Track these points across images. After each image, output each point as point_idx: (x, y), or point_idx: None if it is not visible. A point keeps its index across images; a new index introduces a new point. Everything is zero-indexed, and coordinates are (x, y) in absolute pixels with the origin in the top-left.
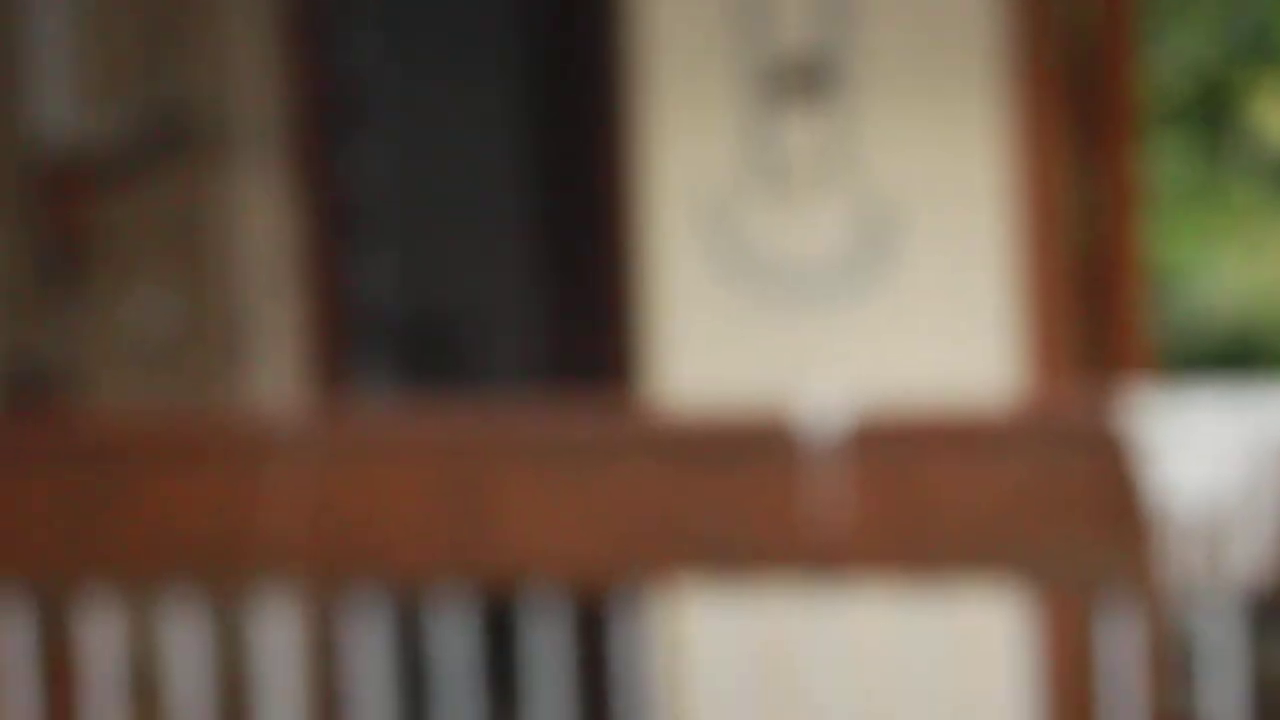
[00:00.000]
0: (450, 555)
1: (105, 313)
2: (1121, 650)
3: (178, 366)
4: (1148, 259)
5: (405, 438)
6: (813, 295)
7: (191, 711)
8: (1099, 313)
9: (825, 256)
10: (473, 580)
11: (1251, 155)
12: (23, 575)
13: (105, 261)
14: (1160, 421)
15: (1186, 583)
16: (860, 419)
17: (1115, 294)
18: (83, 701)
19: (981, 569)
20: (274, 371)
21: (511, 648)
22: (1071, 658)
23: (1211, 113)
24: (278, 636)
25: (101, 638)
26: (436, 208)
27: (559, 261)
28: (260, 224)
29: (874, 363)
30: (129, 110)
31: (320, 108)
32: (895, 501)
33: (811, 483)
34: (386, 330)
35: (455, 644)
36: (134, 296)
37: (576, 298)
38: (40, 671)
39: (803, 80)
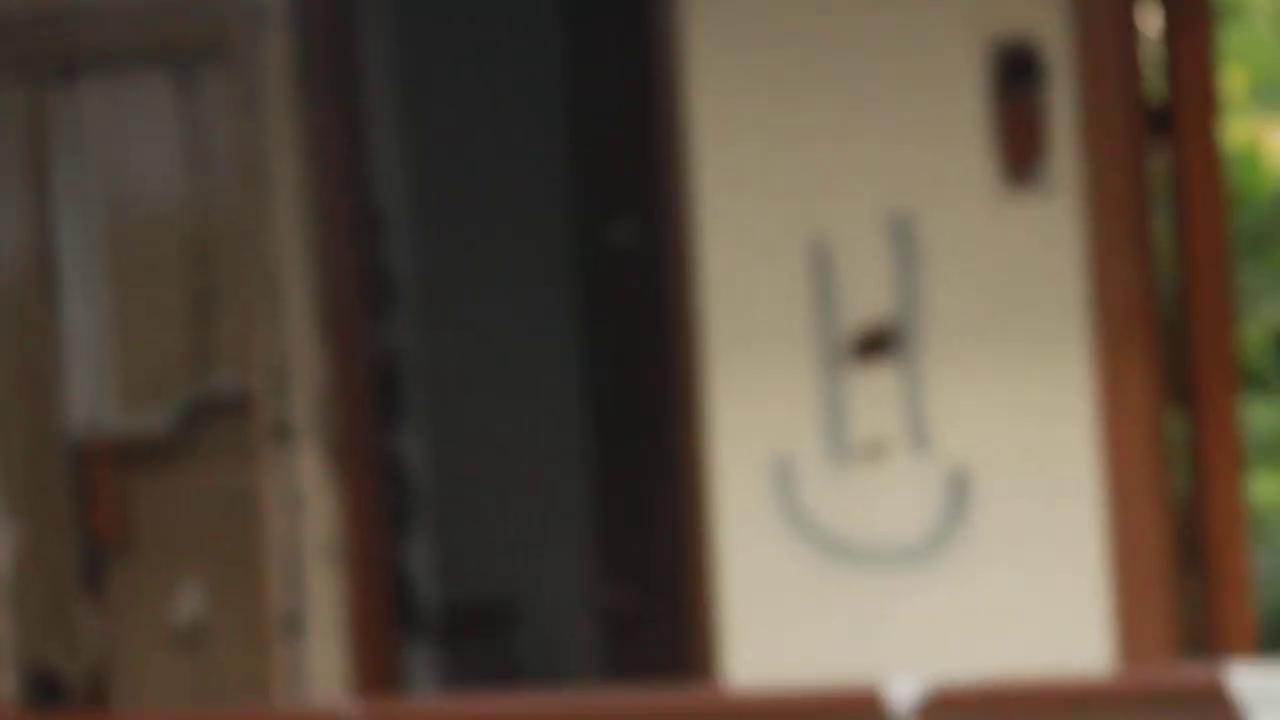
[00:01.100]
0: None
1: (147, 601)
2: None
3: (217, 655)
4: (1247, 526)
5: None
6: (888, 569)
7: None
8: (1200, 587)
9: (901, 529)
10: None
11: None
12: None
13: (144, 549)
14: (1271, 689)
15: None
16: (942, 696)
17: (1218, 566)
18: None
19: None
20: (322, 657)
21: None
22: None
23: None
24: None
25: None
26: (490, 492)
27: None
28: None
29: (950, 644)
30: (172, 402)
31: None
32: None
33: None
34: (435, 615)
35: None
36: (174, 585)
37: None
38: None
39: (876, 345)
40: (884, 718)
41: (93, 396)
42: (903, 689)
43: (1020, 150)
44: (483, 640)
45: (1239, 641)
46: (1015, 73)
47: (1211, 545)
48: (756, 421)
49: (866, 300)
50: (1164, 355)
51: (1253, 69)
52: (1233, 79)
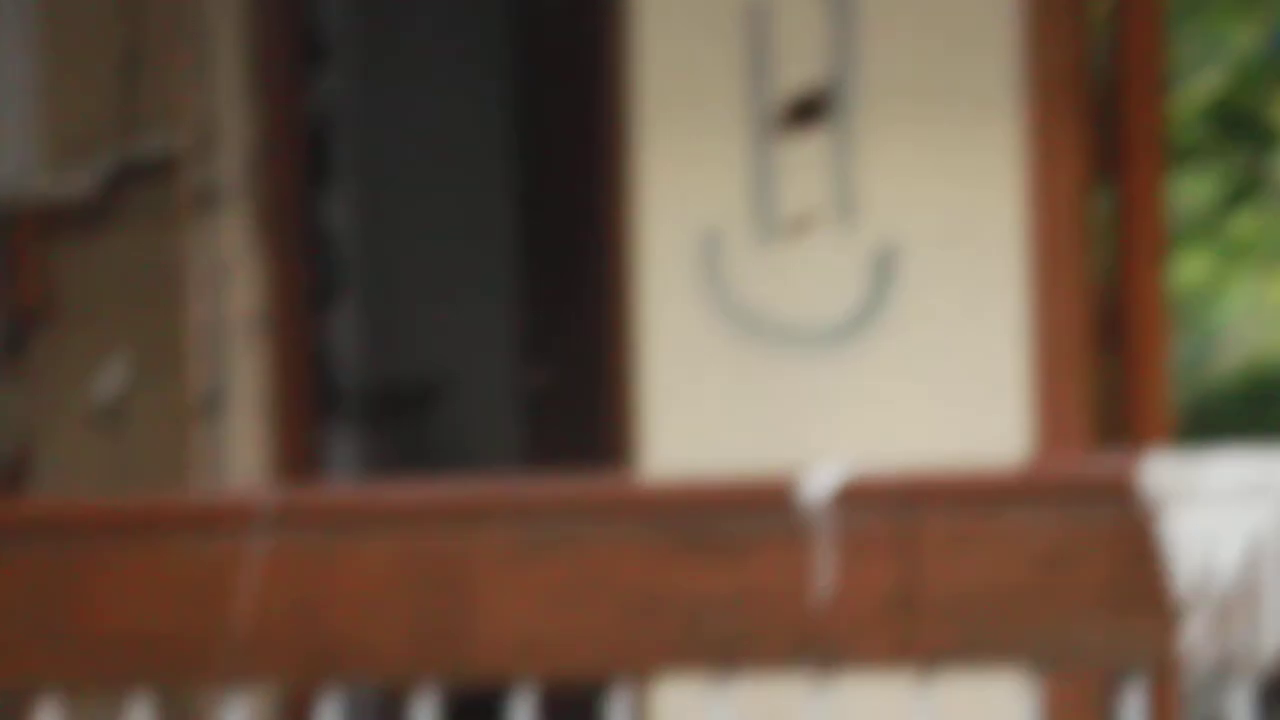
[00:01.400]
0: (425, 646)
1: (67, 373)
2: None
3: (137, 429)
4: (1169, 308)
5: (378, 510)
6: (812, 345)
7: None
8: (1119, 368)
9: (827, 303)
10: (450, 673)
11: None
12: None
13: (67, 321)
14: (1182, 483)
15: (1206, 660)
16: (858, 484)
17: (1137, 350)
18: None
19: (990, 655)
20: (240, 435)
21: None
22: None
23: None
24: None
25: None
26: (413, 266)
27: (547, 320)
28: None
29: (875, 420)
30: (98, 164)
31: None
32: (891, 577)
33: (810, 560)
34: (358, 398)
35: None
36: (97, 359)
37: (564, 343)
38: None
39: (808, 111)
40: (798, 509)
41: (16, 158)
42: (817, 480)
43: None
44: (404, 422)
45: (1157, 426)
46: None
47: (1132, 330)
48: (684, 193)
49: (800, 65)
50: (1094, 129)
51: None
52: None
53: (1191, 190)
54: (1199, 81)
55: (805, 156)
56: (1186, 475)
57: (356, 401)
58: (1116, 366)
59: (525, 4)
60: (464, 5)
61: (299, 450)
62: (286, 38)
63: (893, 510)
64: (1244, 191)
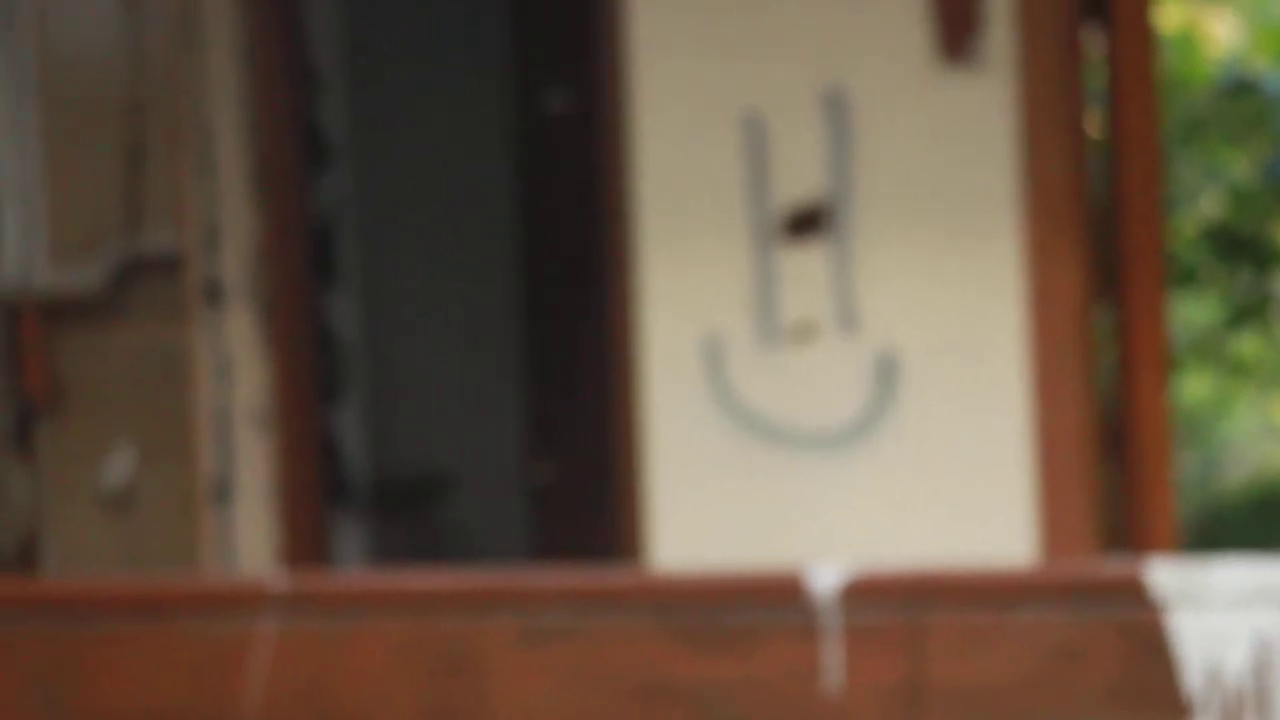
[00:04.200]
0: None
1: (75, 460)
2: None
3: (145, 517)
4: (1174, 423)
5: (388, 596)
6: (815, 449)
7: None
8: (1123, 482)
9: (830, 408)
10: None
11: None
12: None
13: (75, 410)
14: (1191, 585)
15: None
16: (864, 582)
17: (1142, 463)
18: None
19: None
20: (247, 524)
21: None
22: None
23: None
24: None
25: None
26: (419, 361)
27: (553, 415)
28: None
29: (877, 524)
30: (104, 259)
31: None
32: (899, 671)
33: (818, 653)
34: (365, 490)
35: None
36: (105, 447)
37: (569, 443)
38: None
39: (807, 223)
40: (806, 603)
41: (23, 252)
42: (825, 575)
43: (955, 26)
44: (410, 514)
45: (1163, 538)
46: None
47: (1136, 442)
48: (687, 299)
49: (799, 179)
50: (1094, 246)
51: None
52: None
53: (1193, 312)
54: (1197, 207)
55: (806, 265)
56: (1195, 578)
57: (363, 494)
58: (1122, 479)
59: (528, 109)
60: (468, 110)
61: (306, 540)
62: (290, 135)
63: (901, 605)
64: (1246, 313)
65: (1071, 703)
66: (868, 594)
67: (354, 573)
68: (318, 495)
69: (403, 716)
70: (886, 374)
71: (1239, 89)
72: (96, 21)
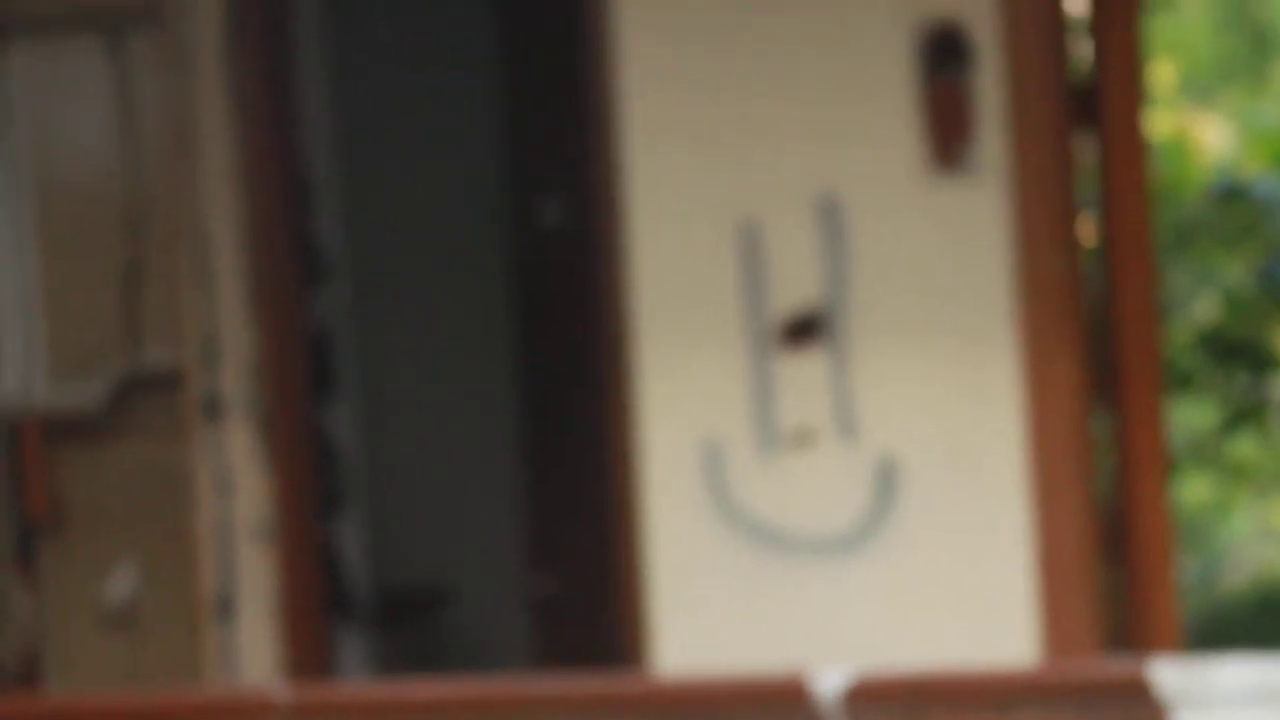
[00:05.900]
0: None
1: (77, 577)
2: None
3: (148, 633)
4: (1174, 526)
5: (394, 706)
6: (816, 554)
7: None
8: (1125, 585)
9: (830, 514)
10: None
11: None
12: None
13: (76, 527)
14: (1195, 685)
15: None
16: (867, 686)
17: (1144, 566)
18: None
19: None
20: (251, 638)
21: None
22: None
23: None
24: None
25: None
26: (420, 473)
27: (553, 526)
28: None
29: (879, 628)
30: (104, 376)
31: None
32: None
33: None
34: (367, 603)
35: None
36: (107, 564)
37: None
38: None
39: (804, 331)
40: (810, 708)
41: (23, 370)
42: (829, 679)
43: (948, 135)
44: (412, 626)
45: (1166, 640)
46: (943, 57)
47: (1137, 544)
48: (686, 406)
49: (795, 285)
50: (1090, 352)
51: (1182, 60)
52: (1162, 70)
53: (1191, 416)
54: (1191, 312)
55: (804, 371)
56: (1198, 678)
57: (365, 606)
58: (1124, 581)
59: (525, 218)
60: (465, 221)
61: (309, 653)
62: (287, 248)
63: (905, 708)
64: (1243, 417)
65: None
66: (871, 697)
67: (357, 684)
68: (320, 607)
69: None
70: (886, 479)
71: (1231, 195)
72: (94, 139)
